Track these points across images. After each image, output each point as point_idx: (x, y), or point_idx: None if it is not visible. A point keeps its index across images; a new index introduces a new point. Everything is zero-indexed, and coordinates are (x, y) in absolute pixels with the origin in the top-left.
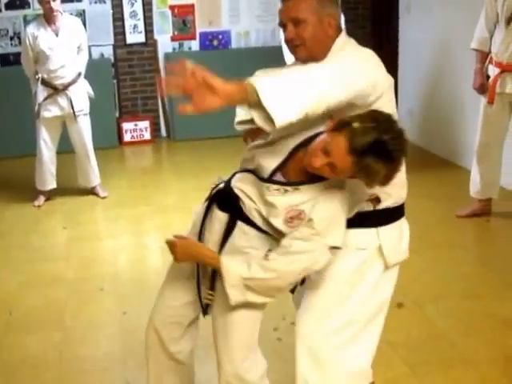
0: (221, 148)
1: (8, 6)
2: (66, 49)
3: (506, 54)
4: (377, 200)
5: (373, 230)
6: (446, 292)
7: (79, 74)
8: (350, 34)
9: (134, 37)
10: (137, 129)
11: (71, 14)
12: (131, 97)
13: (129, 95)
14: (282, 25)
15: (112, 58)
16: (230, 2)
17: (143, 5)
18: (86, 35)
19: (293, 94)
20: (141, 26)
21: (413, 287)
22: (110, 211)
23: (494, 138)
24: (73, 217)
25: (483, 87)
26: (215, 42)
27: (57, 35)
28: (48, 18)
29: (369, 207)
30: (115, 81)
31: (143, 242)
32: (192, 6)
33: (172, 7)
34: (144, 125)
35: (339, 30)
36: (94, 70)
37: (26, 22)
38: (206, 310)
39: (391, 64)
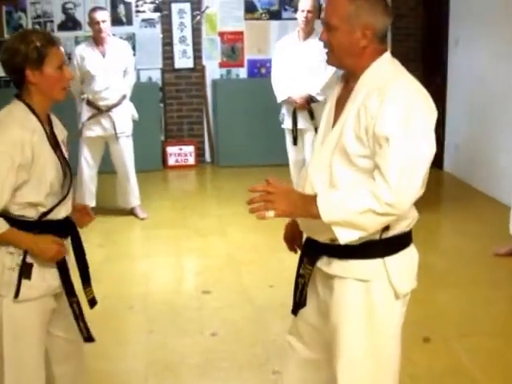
0: (264, 176)
1: (60, 28)
2: (112, 71)
3: None
4: (386, 227)
5: (379, 260)
6: (474, 329)
7: (124, 97)
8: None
9: (183, 62)
10: (181, 153)
11: (121, 37)
12: (177, 121)
13: (175, 119)
14: (322, 23)
15: (160, 82)
16: (279, 30)
17: (193, 30)
18: (133, 59)
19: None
20: (189, 52)
21: (441, 322)
22: (147, 232)
23: None
24: (110, 236)
25: None
26: (263, 70)
27: (104, 57)
28: (97, 39)
29: (375, 236)
30: (162, 105)
31: (177, 263)
32: (241, 33)
33: (221, 34)
34: (189, 149)
35: (379, 43)
36: (141, 93)
37: (77, 43)
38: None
39: (440, 97)
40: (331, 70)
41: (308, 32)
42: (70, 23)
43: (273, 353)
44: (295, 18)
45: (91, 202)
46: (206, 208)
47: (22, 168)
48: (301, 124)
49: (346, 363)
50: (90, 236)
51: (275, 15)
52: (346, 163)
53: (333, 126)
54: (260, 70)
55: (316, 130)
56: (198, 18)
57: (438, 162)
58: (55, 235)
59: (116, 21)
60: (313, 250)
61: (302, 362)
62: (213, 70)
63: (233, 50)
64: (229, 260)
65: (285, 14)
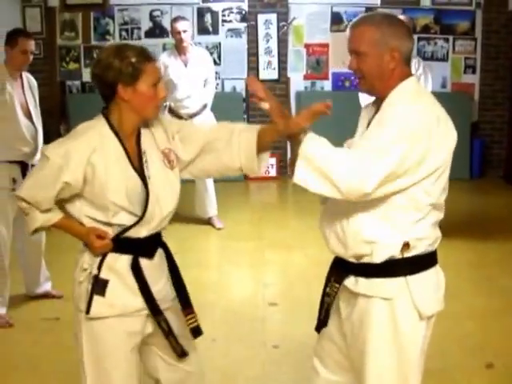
0: None
1: (147, 35)
2: (193, 80)
3: None
4: (407, 246)
5: (401, 278)
6: None
7: (204, 106)
8: (489, 84)
9: (267, 73)
10: None
11: (207, 46)
12: None
13: None
14: (349, 53)
15: (244, 93)
16: None
17: (278, 42)
18: (214, 68)
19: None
20: (275, 63)
21: (507, 348)
22: (222, 242)
23: None
24: (185, 243)
25: None
26: (347, 84)
27: (185, 66)
28: (179, 48)
29: (396, 254)
30: (245, 115)
31: (248, 274)
32: (327, 45)
33: (307, 46)
34: (271, 161)
35: (406, 66)
36: (225, 103)
37: (165, 50)
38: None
39: None
40: (427, 89)
41: None
42: (157, 30)
43: None
44: None
45: None
46: (284, 221)
47: (69, 186)
48: None
49: (372, 378)
50: (167, 242)
51: None
52: None
53: None
54: (344, 84)
55: None
56: (285, 29)
57: None
58: (136, 253)
59: (202, 30)
60: (341, 269)
61: None
62: (297, 81)
63: (317, 63)
64: (301, 274)
65: None
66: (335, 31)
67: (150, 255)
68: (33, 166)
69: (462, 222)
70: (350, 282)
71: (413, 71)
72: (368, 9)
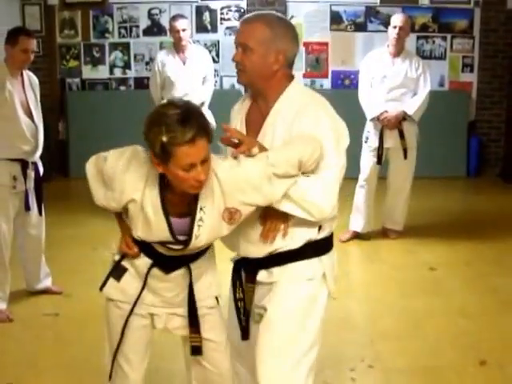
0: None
1: (146, 32)
2: (191, 78)
3: None
4: (321, 226)
5: (316, 259)
6: None
7: (202, 104)
8: (487, 82)
9: None
10: None
11: (206, 44)
12: None
13: None
14: (235, 45)
15: (243, 90)
16: (364, 42)
17: None
18: (212, 66)
19: None
20: None
21: (500, 346)
22: (219, 241)
23: None
24: None
25: None
26: (347, 82)
27: (184, 64)
28: (177, 46)
29: (314, 235)
30: None
31: None
32: (326, 44)
33: (306, 44)
34: None
35: (289, 69)
36: (223, 100)
37: (162, 48)
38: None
39: None
40: (426, 89)
41: (399, 49)
42: (155, 28)
43: (327, 365)
44: (381, 31)
45: None
46: None
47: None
48: (389, 143)
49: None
50: None
51: (360, 27)
52: None
53: None
54: (344, 82)
55: (405, 150)
56: None
57: None
58: (155, 261)
59: (201, 28)
60: (250, 268)
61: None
62: (296, 80)
63: (317, 61)
64: None
65: (370, 26)
66: (335, 30)
67: (166, 270)
68: (33, 163)
69: (457, 221)
70: (263, 275)
71: (412, 70)
72: (368, 8)
